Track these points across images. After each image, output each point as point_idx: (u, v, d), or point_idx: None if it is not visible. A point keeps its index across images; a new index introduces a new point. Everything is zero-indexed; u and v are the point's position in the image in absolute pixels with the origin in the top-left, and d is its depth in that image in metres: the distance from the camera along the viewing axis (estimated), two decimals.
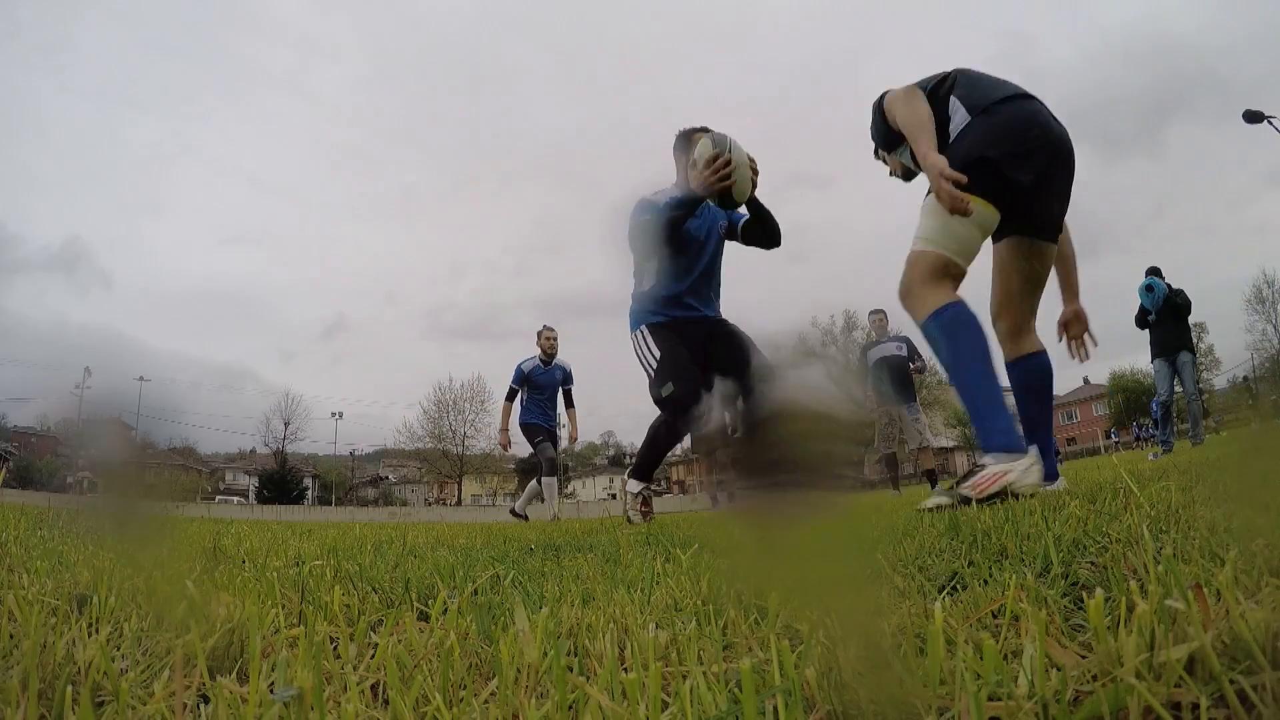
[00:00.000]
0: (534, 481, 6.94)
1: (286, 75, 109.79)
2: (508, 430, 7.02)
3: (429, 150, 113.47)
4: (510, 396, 6.92)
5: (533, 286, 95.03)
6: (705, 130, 3.10)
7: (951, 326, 1.92)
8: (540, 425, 6.88)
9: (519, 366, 6.90)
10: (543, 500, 6.69)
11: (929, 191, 2.02)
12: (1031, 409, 2.37)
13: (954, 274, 1.98)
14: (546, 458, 6.80)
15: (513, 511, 6.83)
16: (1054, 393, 2.49)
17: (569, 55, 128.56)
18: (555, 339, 7.00)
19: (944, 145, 2.09)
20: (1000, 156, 1.96)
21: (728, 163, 2.74)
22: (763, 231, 3.19)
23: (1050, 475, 2.35)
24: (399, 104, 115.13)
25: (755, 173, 2.85)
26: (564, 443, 7.52)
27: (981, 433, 1.91)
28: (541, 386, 6.91)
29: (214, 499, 38.55)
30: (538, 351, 6.95)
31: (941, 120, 2.11)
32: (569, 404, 7.18)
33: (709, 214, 3.27)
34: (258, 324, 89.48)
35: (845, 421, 0.38)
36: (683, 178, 3.21)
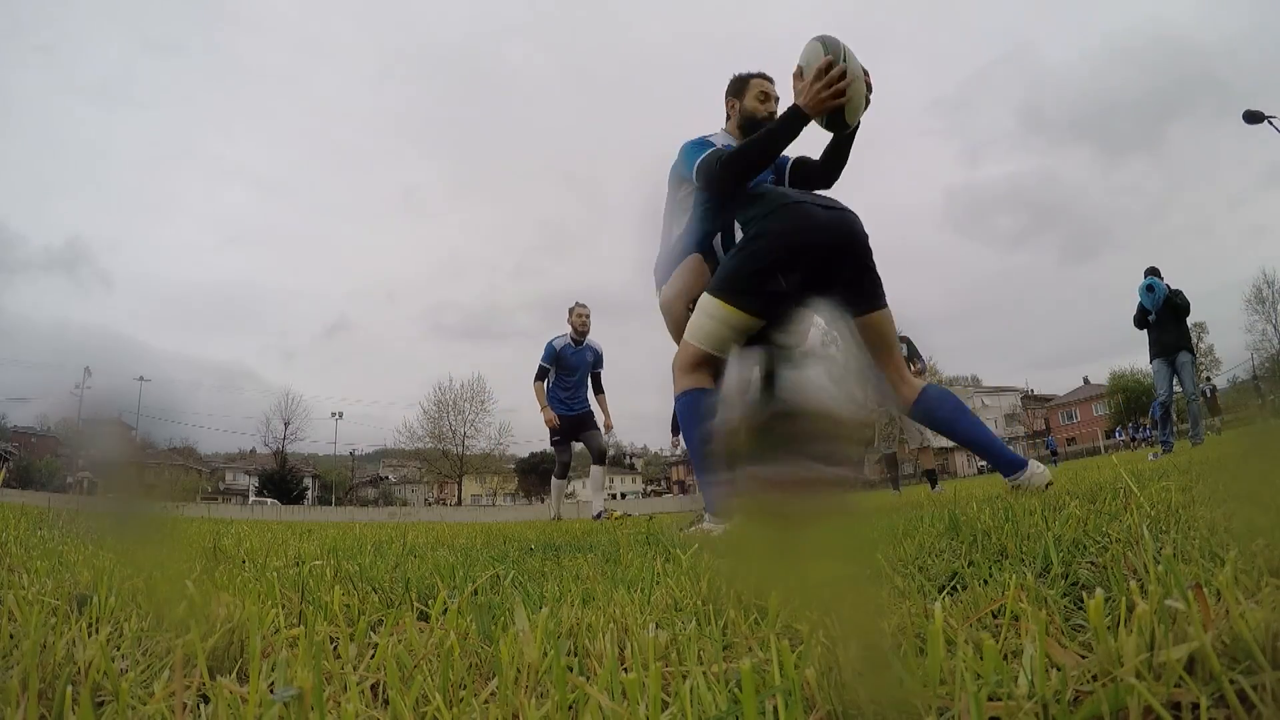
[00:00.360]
0: (594, 469, 6.57)
1: (288, 75, 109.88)
2: (547, 407, 6.40)
3: (430, 150, 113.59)
4: (540, 376, 6.45)
5: (533, 286, 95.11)
6: (764, 77, 2.76)
7: (686, 409, 2.42)
8: (563, 415, 6.44)
9: (550, 344, 6.45)
10: (548, 497, 6.57)
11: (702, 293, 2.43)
12: (959, 432, 2.59)
13: (712, 362, 2.40)
14: (561, 461, 6.51)
15: (597, 517, 6.02)
16: (963, 407, 2.70)
17: (571, 55, 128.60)
18: (587, 316, 6.52)
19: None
20: (757, 270, 2.32)
21: (843, 74, 2.23)
22: (826, 166, 2.65)
23: (1016, 464, 2.43)
24: (401, 104, 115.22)
25: (869, 88, 2.37)
26: (605, 434, 6.84)
27: (704, 495, 2.40)
28: (572, 368, 6.50)
29: (247, 502, 38.31)
30: (568, 330, 6.50)
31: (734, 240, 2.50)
32: (598, 389, 6.70)
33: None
34: (258, 324, 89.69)
35: (847, 420, 0.38)
36: (732, 124, 2.81)
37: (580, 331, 6.50)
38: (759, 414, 0.39)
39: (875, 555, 0.94)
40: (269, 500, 39.82)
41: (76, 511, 2.64)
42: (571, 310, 6.55)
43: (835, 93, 2.26)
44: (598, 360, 6.65)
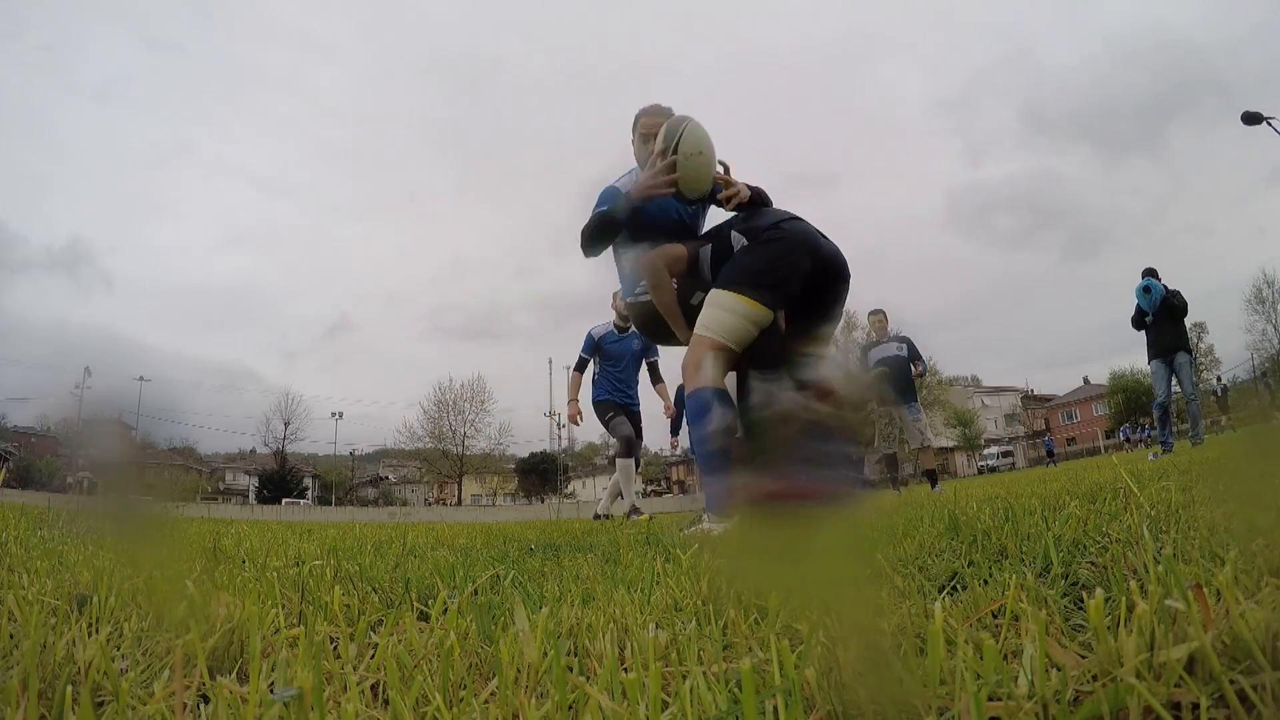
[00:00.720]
0: (616, 476, 6.12)
1: (288, 75, 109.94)
2: (576, 400, 6.02)
3: (431, 150, 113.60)
4: (579, 367, 6.04)
5: (533, 286, 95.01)
6: (653, 115, 2.83)
7: (697, 405, 2.44)
8: (612, 401, 5.97)
9: (589, 333, 6.02)
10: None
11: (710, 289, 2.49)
12: None
13: (727, 354, 2.43)
14: (622, 436, 5.90)
15: (596, 518, 5.67)
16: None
17: (571, 54, 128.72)
18: None
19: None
20: (776, 267, 2.42)
21: (673, 165, 2.47)
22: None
23: None
24: (401, 104, 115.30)
25: (722, 166, 2.56)
26: (666, 416, 6.46)
27: (706, 493, 2.47)
28: (615, 357, 6.00)
29: (280, 503, 37.85)
30: (611, 315, 6.02)
31: (727, 249, 2.58)
32: (656, 379, 6.26)
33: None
34: (259, 324, 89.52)
35: (857, 405, 0.38)
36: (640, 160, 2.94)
37: (624, 318, 5.89)
38: (772, 417, 0.39)
39: (875, 555, 0.94)
40: (302, 501, 39.66)
41: (76, 511, 2.64)
42: (615, 294, 5.89)
43: (663, 183, 2.50)
44: (646, 348, 6.11)
